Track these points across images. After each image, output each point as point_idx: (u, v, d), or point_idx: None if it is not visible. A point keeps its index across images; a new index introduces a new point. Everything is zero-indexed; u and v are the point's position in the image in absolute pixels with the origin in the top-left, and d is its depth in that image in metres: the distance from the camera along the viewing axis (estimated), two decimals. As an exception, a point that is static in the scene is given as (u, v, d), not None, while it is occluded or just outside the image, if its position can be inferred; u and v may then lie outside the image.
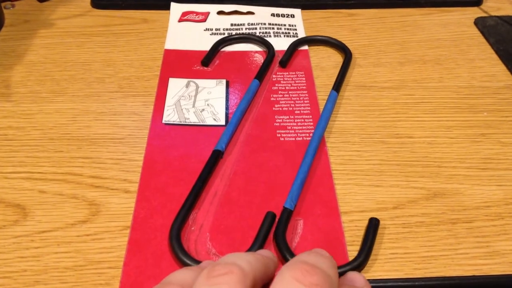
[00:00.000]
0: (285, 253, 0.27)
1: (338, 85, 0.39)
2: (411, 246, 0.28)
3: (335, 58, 0.43)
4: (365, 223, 0.29)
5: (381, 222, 0.29)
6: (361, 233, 0.29)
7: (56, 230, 0.29)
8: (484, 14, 0.49)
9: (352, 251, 0.28)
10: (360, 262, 0.27)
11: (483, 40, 0.46)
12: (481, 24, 0.47)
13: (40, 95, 0.38)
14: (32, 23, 0.46)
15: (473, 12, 0.49)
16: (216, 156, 0.32)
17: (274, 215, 0.29)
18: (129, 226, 0.29)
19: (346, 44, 0.43)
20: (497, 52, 0.44)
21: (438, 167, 0.33)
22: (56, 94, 0.38)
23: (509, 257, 0.28)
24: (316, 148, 0.33)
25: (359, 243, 0.28)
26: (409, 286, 0.26)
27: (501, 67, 0.42)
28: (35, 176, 0.32)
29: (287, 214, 0.29)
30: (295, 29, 0.45)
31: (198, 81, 0.39)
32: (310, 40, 0.44)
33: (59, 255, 0.27)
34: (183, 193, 0.30)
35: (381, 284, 0.26)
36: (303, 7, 0.49)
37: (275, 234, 0.28)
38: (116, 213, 0.30)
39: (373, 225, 0.28)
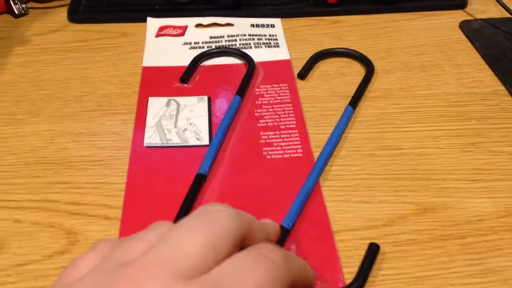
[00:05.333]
0: None
1: (355, 100, 0.38)
2: (403, 266, 0.27)
3: (319, 68, 0.42)
4: (354, 243, 0.28)
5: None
6: (351, 253, 0.28)
7: (33, 263, 0.27)
8: (469, 17, 0.48)
9: (345, 273, 0.27)
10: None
11: (468, 44, 0.45)
12: (466, 27, 0.47)
13: (15, 116, 0.37)
14: (7, 40, 0.45)
15: (458, 16, 0.49)
16: (200, 180, 0.31)
17: None
18: (109, 256, 0.28)
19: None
20: (483, 56, 0.43)
21: (428, 179, 0.32)
22: (32, 115, 0.37)
23: (504, 274, 0.27)
24: (324, 166, 0.32)
25: (349, 264, 0.27)
26: (402, 309, 0.26)
27: (488, 72, 0.42)
28: (10, 205, 0.30)
29: (284, 234, 0.28)
30: (276, 39, 0.44)
31: (178, 99, 0.38)
32: (331, 53, 0.43)
33: (36, 290, 0.26)
34: (169, 221, 0.28)
35: (373, 308, 0.25)
36: (286, 15, 0.48)
37: None
38: (95, 241, 0.28)
39: (372, 252, 0.27)
